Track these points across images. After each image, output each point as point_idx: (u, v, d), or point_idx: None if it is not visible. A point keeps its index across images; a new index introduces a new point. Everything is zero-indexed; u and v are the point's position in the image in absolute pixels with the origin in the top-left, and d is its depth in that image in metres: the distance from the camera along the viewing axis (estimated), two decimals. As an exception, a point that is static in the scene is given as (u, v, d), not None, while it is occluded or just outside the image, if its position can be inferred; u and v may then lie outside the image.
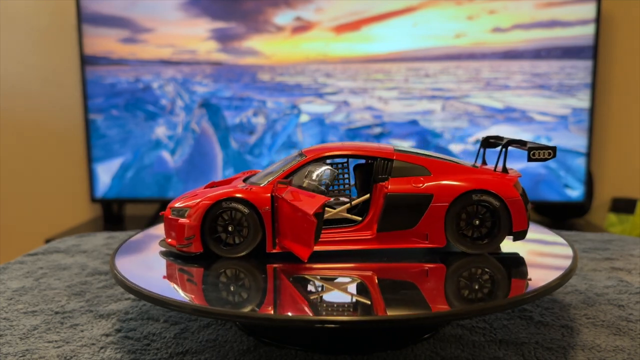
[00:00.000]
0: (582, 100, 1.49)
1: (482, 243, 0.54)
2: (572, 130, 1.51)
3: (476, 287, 0.47)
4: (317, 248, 0.52)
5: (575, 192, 1.52)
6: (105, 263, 0.74)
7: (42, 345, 0.50)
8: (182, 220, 0.53)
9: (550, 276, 0.47)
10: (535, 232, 0.65)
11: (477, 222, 0.53)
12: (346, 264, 0.52)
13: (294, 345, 0.49)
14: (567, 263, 0.51)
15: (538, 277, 0.48)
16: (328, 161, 0.57)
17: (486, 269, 0.51)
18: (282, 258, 0.54)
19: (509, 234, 0.54)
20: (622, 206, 1.59)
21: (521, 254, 0.55)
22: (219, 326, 0.54)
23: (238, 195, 0.53)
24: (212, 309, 0.42)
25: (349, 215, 0.56)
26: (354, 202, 0.56)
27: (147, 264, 0.57)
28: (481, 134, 1.53)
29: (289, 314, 0.43)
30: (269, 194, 0.53)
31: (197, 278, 0.52)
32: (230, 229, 0.53)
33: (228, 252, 0.53)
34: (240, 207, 0.53)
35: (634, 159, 1.63)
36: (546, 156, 0.53)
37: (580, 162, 1.51)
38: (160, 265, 0.57)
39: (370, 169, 0.56)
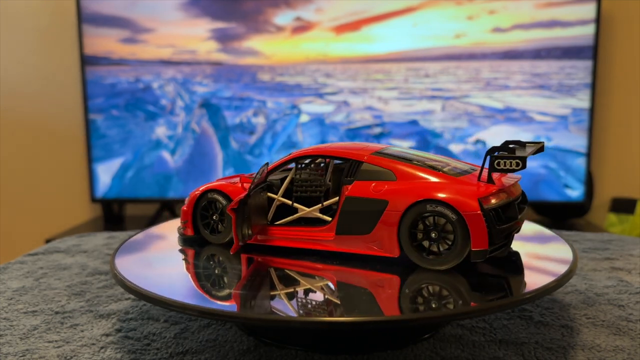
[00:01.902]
0: (582, 100, 1.49)
1: (434, 258, 0.49)
2: (572, 130, 1.51)
3: (476, 287, 0.47)
4: (279, 244, 0.56)
5: (575, 192, 1.52)
6: (105, 263, 0.74)
7: (42, 345, 0.50)
8: (183, 206, 0.61)
9: (550, 276, 0.47)
10: (535, 232, 0.65)
11: (434, 234, 0.49)
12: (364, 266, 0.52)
13: (294, 345, 0.49)
14: (567, 263, 0.51)
15: (538, 278, 0.48)
16: (307, 161, 0.58)
17: (486, 270, 0.51)
18: (283, 255, 0.54)
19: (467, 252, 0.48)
20: (622, 206, 1.59)
21: (521, 254, 0.55)
22: (219, 326, 0.54)
23: (219, 188, 0.59)
24: (211, 309, 0.42)
25: (320, 216, 0.56)
26: (325, 203, 0.56)
27: (147, 264, 0.57)
28: (481, 134, 1.54)
29: (289, 314, 0.43)
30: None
31: (197, 278, 0.52)
32: (215, 217, 0.59)
33: (213, 239, 0.59)
34: (220, 198, 0.58)
35: (634, 159, 1.63)
36: (513, 167, 0.48)
37: (580, 162, 1.51)
38: (160, 265, 0.57)
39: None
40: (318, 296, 0.47)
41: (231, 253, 0.55)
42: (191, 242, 0.63)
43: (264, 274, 0.53)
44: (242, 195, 0.54)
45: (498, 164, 0.48)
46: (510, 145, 0.52)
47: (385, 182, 0.52)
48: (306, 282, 0.49)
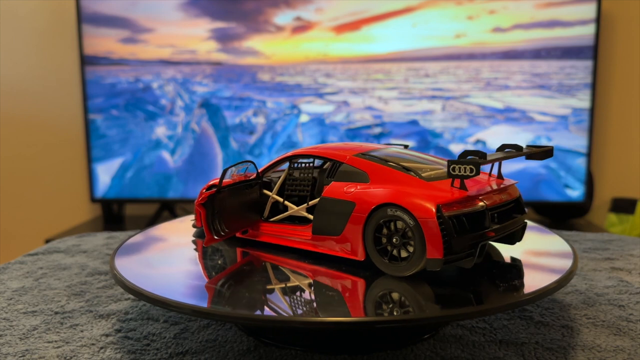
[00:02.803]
0: (582, 100, 1.49)
1: (395, 264, 0.48)
2: (572, 130, 1.50)
3: (475, 288, 0.47)
4: (268, 240, 0.58)
5: (575, 192, 1.52)
6: (105, 263, 0.74)
7: (41, 346, 0.50)
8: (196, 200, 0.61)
9: (551, 277, 0.47)
10: (535, 232, 0.65)
11: (395, 239, 0.48)
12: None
13: (294, 345, 0.49)
14: (567, 263, 0.51)
15: (538, 278, 0.48)
16: (300, 160, 0.59)
17: (486, 270, 0.51)
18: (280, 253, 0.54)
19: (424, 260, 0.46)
20: (623, 206, 1.59)
21: (522, 255, 0.55)
22: (219, 326, 0.54)
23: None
24: (211, 309, 0.42)
25: (306, 214, 0.56)
26: (310, 203, 0.56)
27: (147, 264, 0.57)
28: (481, 134, 1.54)
29: (289, 315, 0.43)
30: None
31: (197, 278, 0.52)
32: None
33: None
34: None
35: (634, 159, 1.63)
36: (467, 172, 0.45)
37: (580, 162, 1.51)
38: (160, 265, 0.57)
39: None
40: (305, 296, 0.47)
41: (204, 246, 0.57)
42: (191, 242, 0.63)
43: (262, 273, 0.53)
44: (212, 191, 0.55)
45: (453, 169, 0.46)
46: (469, 157, 0.48)
47: (358, 183, 0.52)
48: (296, 281, 0.49)
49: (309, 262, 0.53)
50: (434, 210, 0.45)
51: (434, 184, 0.49)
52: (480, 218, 0.48)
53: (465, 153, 0.47)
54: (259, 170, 0.62)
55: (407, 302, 0.44)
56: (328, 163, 0.59)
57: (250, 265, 0.55)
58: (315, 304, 0.45)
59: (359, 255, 0.50)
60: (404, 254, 0.47)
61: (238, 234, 0.61)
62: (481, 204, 0.48)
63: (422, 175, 0.50)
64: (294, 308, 0.44)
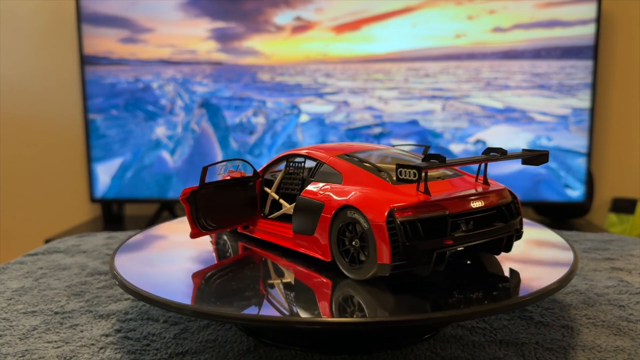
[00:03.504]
0: (582, 100, 1.49)
1: (353, 267, 0.47)
2: (572, 130, 1.50)
3: (476, 288, 0.47)
4: (261, 236, 0.60)
5: (575, 192, 1.52)
6: (105, 263, 0.74)
7: (41, 346, 0.50)
8: None
9: (551, 277, 0.47)
10: (535, 232, 0.65)
11: (355, 242, 0.47)
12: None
13: (294, 345, 0.49)
14: (567, 264, 0.51)
15: (539, 278, 0.48)
16: (296, 159, 0.60)
17: (487, 271, 0.51)
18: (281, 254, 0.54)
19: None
20: (623, 206, 1.59)
21: (522, 255, 0.54)
22: (218, 326, 0.54)
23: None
24: (211, 310, 0.42)
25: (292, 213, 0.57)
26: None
27: (146, 264, 0.57)
28: (481, 134, 1.53)
29: (289, 315, 0.43)
30: None
31: (196, 278, 0.52)
32: None
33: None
34: None
35: (634, 159, 1.63)
36: (410, 177, 0.44)
37: (580, 162, 1.51)
38: (160, 265, 0.57)
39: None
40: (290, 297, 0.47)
41: (190, 238, 0.58)
42: (191, 242, 0.63)
43: (261, 273, 0.53)
44: (194, 187, 0.57)
45: (400, 173, 0.45)
46: (432, 160, 0.46)
47: (332, 184, 0.52)
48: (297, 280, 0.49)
49: (306, 262, 0.53)
50: (385, 214, 0.44)
51: (401, 187, 0.47)
52: (442, 225, 0.45)
53: (427, 157, 0.46)
54: (261, 169, 0.62)
55: (409, 302, 0.44)
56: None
57: (250, 265, 0.55)
58: (289, 304, 0.45)
59: (327, 256, 0.50)
60: (362, 257, 0.46)
61: (239, 229, 0.62)
62: (442, 210, 0.46)
63: (394, 177, 0.49)
64: (293, 308, 0.44)
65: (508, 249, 0.51)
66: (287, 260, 0.54)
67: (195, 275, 0.53)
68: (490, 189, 0.51)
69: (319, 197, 0.51)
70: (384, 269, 0.45)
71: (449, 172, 0.53)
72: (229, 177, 0.62)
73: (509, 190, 0.53)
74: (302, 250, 0.53)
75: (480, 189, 0.50)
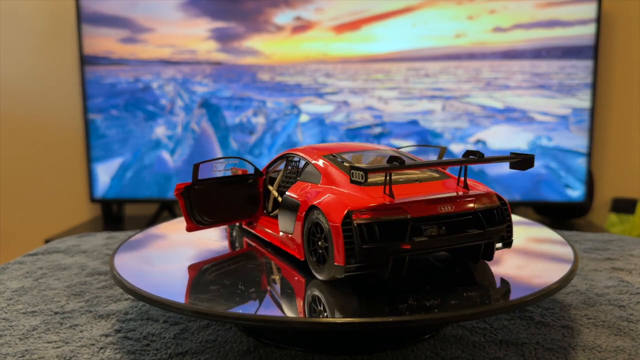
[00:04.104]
0: (582, 100, 1.49)
1: (317, 266, 0.47)
2: (572, 130, 1.50)
3: (478, 288, 0.47)
4: (259, 233, 0.61)
5: (575, 192, 1.52)
6: (104, 263, 0.74)
7: (41, 346, 0.50)
8: None
9: (552, 277, 0.47)
10: (536, 232, 0.65)
11: (321, 243, 0.46)
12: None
13: (294, 345, 0.49)
14: (568, 264, 0.51)
15: (539, 278, 0.48)
16: (295, 159, 0.60)
17: (487, 271, 0.51)
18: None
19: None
20: (623, 206, 1.59)
21: (522, 255, 0.54)
22: (218, 327, 0.54)
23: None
24: (211, 310, 0.42)
25: None
26: None
27: (146, 265, 0.57)
28: (481, 134, 1.53)
29: (288, 315, 0.43)
30: None
31: (196, 278, 0.52)
32: None
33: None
34: None
35: (634, 159, 1.63)
36: (359, 179, 0.44)
37: (580, 162, 1.51)
38: (160, 265, 0.57)
39: None
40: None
41: (187, 231, 0.59)
42: (191, 242, 0.63)
43: (261, 272, 0.53)
44: (187, 183, 0.58)
45: (352, 175, 0.45)
46: (395, 162, 0.46)
47: (311, 184, 0.52)
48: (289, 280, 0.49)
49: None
50: (342, 216, 0.44)
51: (369, 189, 0.47)
52: (402, 229, 0.45)
53: (390, 159, 0.46)
54: (265, 167, 0.63)
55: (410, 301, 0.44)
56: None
57: (251, 263, 0.55)
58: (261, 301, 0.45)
59: (302, 255, 0.50)
60: (327, 257, 0.46)
61: (244, 225, 0.64)
62: (403, 214, 0.45)
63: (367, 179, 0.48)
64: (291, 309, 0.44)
65: (487, 257, 0.49)
66: (283, 259, 0.54)
67: (195, 275, 0.53)
68: (470, 193, 0.49)
69: (297, 197, 0.51)
70: (340, 270, 0.44)
71: (436, 175, 0.52)
72: (231, 175, 0.62)
73: (498, 196, 0.50)
74: (284, 248, 0.54)
75: (456, 194, 0.48)
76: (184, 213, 0.58)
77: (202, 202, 0.58)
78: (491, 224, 0.48)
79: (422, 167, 0.49)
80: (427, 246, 0.45)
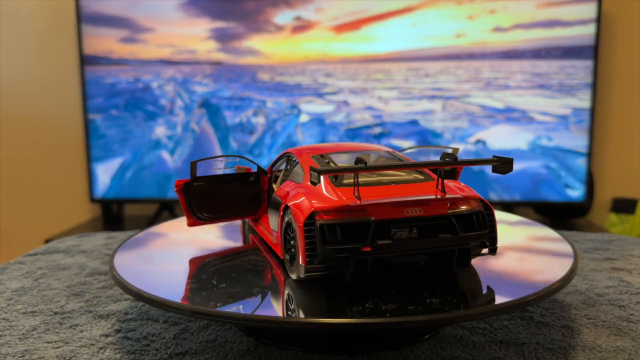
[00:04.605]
0: (582, 100, 1.49)
1: (290, 266, 0.48)
2: (572, 130, 1.50)
3: (478, 289, 0.47)
4: (259, 230, 0.61)
5: (576, 192, 1.52)
6: (104, 263, 0.74)
7: (41, 346, 0.50)
8: None
9: (552, 278, 0.47)
10: (536, 231, 0.65)
11: (293, 242, 0.46)
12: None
13: (294, 345, 0.49)
14: (568, 264, 0.50)
15: (540, 278, 0.48)
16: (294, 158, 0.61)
17: (487, 271, 0.51)
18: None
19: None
20: (623, 206, 1.59)
21: (522, 255, 0.54)
22: (218, 327, 0.54)
23: None
24: (210, 310, 0.42)
25: None
26: None
27: (146, 265, 0.57)
28: (482, 134, 1.53)
29: (289, 316, 0.43)
30: None
31: (195, 277, 0.52)
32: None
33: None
34: None
35: (634, 159, 1.63)
36: (314, 180, 0.46)
37: (581, 162, 1.51)
38: (160, 265, 0.57)
39: None
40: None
41: (188, 226, 0.60)
42: (191, 241, 0.63)
43: (261, 272, 0.52)
44: (186, 180, 0.59)
45: (312, 176, 0.45)
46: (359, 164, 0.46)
47: (295, 183, 0.53)
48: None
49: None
50: (305, 216, 0.44)
51: (342, 190, 0.47)
52: (365, 231, 0.44)
53: (357, 160, 0.46)
54: (270, 166, 0.64)
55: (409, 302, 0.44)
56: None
57: (253, 262, 0.55)
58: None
59: (281, 254, 0.51)
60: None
61: (250, 222, 0.64)
62: (366, 216, 0.44)
63: (342, 180, 0.48)
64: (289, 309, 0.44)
65: (463, 262, 0.47)
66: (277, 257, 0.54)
67: (195, 275, 0.53)
68: (446, 197, 0.47)
69: (281, 196, 0.52)
70: (302, 270, 0.45)
71: (420, 177, 0.51)
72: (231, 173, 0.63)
73: (482, 200, 0.48)
74: (272, 246, 0.55)
75: (429, 197, 0.47)
76: (184, 209, 0.59)
77: (201, 198, 0.59)
78: (468, 230, 0.47)
79: (387, 169, 0.48)
80: (391, 249, 0.44)
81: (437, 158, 0.54)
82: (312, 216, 0.44)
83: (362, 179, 0.49)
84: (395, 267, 0.47)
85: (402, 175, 0.51)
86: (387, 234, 0.45)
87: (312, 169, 0.45)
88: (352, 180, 0.48)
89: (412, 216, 0.45)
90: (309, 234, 0.44)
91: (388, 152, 0.57)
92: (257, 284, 0.49)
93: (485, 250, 0.49)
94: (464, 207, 0.47)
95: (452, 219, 0.46)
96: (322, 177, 0.49)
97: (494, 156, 0.48)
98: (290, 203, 0.47)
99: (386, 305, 0.42)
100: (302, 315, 0.42)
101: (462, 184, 0.51)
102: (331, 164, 0.53)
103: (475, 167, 1.48)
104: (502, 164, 0.48)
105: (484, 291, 0.46)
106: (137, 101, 1.60)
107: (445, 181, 0.50)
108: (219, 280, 0.49)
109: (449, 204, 0.47)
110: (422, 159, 0.59)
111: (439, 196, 0.47)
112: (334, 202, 0.45)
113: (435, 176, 0.51)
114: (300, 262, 0.44)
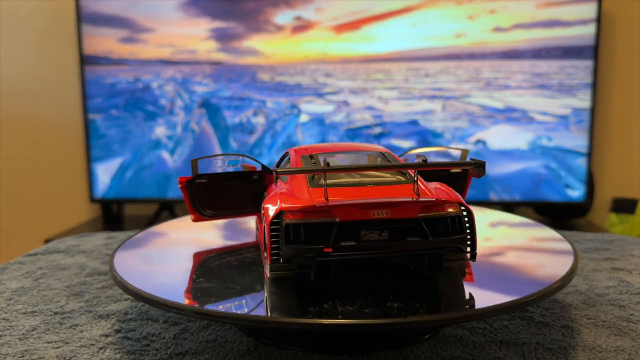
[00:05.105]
0: (582, 100, 1.49)
1: (266, 265, 0.47)
2: (572, 130, 1.50)
3: (478, 289, 0.47)
4: (260, 228, 0.60)
5: (576, 192, 1.52)
6: (104, 263, 0.74)
7: (41, 346, 0.50)
8: None
9: (552, 277, 0.47)
10: (535, 231, 0.65)
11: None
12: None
13: (294, 345, 0.49)
14: (568, 263, 0.50)
15: (540, 278, 0.48)
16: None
17: (487, 271, 0.51)
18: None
19: None
20: (623, 206, 1.59)
21: (522, 255, 0.54)
22: (218, 327, 0.54)
23: None
24: (211, 310, 0.42)
25: None
26: None
27: (146, 265, 0.57)
28: (482, 134, 1.53)
29: (289, 316, 0.43)
30: None
31: (196, 277, 0.52)
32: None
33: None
34: None
35: (634, 159, 1.63)
36: (275, 181, 0.49)
37: (581, 162, 1.51)
38: (160, 265, 0.57)
39: None
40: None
41: (192, 221, 0.61)
42: (191, 241, 0.63)
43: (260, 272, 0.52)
44: (189, 177, 0.59)
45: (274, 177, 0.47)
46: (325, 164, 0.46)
47: (280, 183, 0.53)
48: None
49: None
50: (272, 215, 0.44)
51: (316, 190, 0.46)
52: (328, 232, 0.44)
53: (324, 162, 0.46)
54: (275, 165, 0.64)
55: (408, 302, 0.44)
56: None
57: (253, 261, 0.55)
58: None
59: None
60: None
61: (258, 220, 0.64)
62: (331, 216, 0.44)
63: (319, 181, 0.48)
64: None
65: (433, 269, 0.46)
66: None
67: (195, 274, 0.52)
68: (420, 200, 0.45)
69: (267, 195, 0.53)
70: (268, 269, 0.45)
71: (402, 178, 0.49)
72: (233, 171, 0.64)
73: (461, 204, 0.47)
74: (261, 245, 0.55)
75: (400, 199, 0.45)
76: (188, 205, 0.60)
77: (204, 195, 0.60)
78: (440, 234, 0.45)
79: (350, 171, 0.48)
80: (356, 251, 0.44)
81: (436, 159, 0.54)
82: (279, 216, 0.44)
83: (341, 180, 0.48)
84: (371, 268, 0.47)
85: (386, 177, 0.50)
86: (356, 236, 0.44)
87: (273, 170, 0.45)
88: (332, 181, 0.48)
89: (378, 218, 0.44)
90: (275, 233, 0.44)
91: (381, 152, 0.56)
92: (235, 281, 0.49)
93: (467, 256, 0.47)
94: (437, 211, 0.46)
95: (422, 223, 0.45)
96: (319, 177, 0.48)
97: (472, 159, 0.47)
98: (265, 203, 0.48)
99: (344, 306, 0.41)
100: (261, 313, 0.43)
101: (446, 187, 0.49)
102: (317, 164, 0.52)
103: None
104: (476, 167, 0.46)
105: (484, 292, 0.46)
106: (137, 101, 1.60)
107: (431, 184, 0.49)
108: (218, 280, 0.49)
109: (420, 207, 0.45)
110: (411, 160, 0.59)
111: (411, 199, 0.46)
112: (303, 203, 0.45)
113: (420, 178, 0.50)
114: (267, 261, 0.45)
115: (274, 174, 0.46)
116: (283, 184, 0.52)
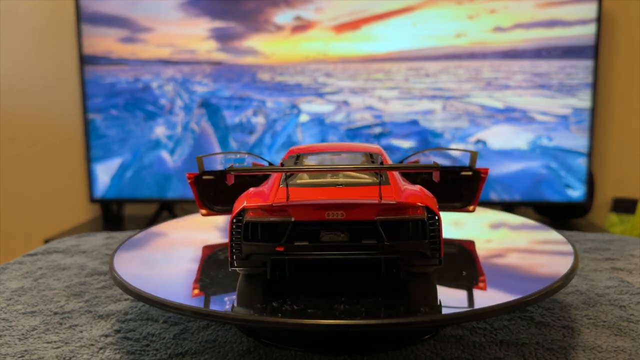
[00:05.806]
0: (583, 100, 1.49)
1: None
2: (573, 130, 1.50)
3: (478, 289, 0.47)
4: None
5: (576, 192, 1.52)
6: (104, 263, 0.74)
7: (41, 346, 0.50)
8: None
9: (553, 277, 0.47)
10: (536, 231, 0.65)
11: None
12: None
13: (294, 345, 0.49)
14: (568, 263, 0.50)
15: (540, 278, 0.48)
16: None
17: (487, 271, 0.51)
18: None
19: None
20: (623, 206, 1.59)
21: (522, 255, 0.54)
22: (218, 327, 0.54)
23: None
24: (211, 310, 0.42)
25: None
26: None
27: (146, 265, 0.57)
28: (482, 134, 1.53)
29: (289, 317, 0.43)
30: None
31: (197, 277, 0.52)
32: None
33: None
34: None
35: (635, 159, 1.62)
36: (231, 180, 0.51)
37: (581, 162, 1.51)
38: (160, 265, 0.57)
39: None
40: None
41: (202, 216, 0.62)
42: (191, 241, 0.63)
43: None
44: (196, 174, 0.61)
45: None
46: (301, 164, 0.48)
47: (266, 181, 0.53)
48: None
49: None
50: (235, 213, 0.45)
51: (282, 189, 0.46)
52: (282, 231, 0.44)
53: (294, 162, 0.48)
54: (279, 163, 0.64)
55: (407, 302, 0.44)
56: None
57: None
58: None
59: None
60: None
61: None
62: (287, 216, 0.44)
63: (293, 181, 0.48)
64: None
65: (392, 274, 0.44)
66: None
67: (194, 275, 0.52)
68: (381, 202, 0.44)
69: None
70: (229, 265, 0.46)
71: (376, 180, 0.48)
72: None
73: (428, 208, 0.45)
74: None
75: (359, 201, 0.45)
76: (197, 200, 0.61)
77: (211, 191, 0.61)
78: (400, 238, 0.44)
79: (306, 172, 0.48)
80: (310, 251, 0.44)
81: (436, 162, 0.54)
82: (242, 213, 0.45)
83: (317, 180, 0.49)
84: (335, 268, 0.46)
85: (364, 178, 0.49)
86: (316, 236, 0.44)
87: (226, 168, 0.48)
88: (305, 181, 0.48)
89: (333, 219, 0.44)
90: (236, 230, 0.45)
91: (370, 153, 0.55)
92: (213, 277, 0.49)
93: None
94: (397, 214, 0.44)
95: (378, 226, 0.44)
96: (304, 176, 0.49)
97: (434, 162, 0.46)
98: (236, 200, 0.48)
99: (291, 306, 0.42)
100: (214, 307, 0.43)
101: (422, 191, 0.47)
102: (303, 165, 0.52)
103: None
104: (436, 171, 0.46)
105: (484, 292, 0.46)
106: (137, 101, 1.60)
107: (410, 186, 0.48)
108: (218, 280, 0.49)
109: (378, 210, 0.44)
110: (424, 160, 0.59)
111: (369, 201, 0.45)
112: (262, 201, 0.46)
113: (395, 180, 0.48)
114: (229, 258, 0.46)
115: (225, 172, 0.48)
116: (266, 183, 0.52)
